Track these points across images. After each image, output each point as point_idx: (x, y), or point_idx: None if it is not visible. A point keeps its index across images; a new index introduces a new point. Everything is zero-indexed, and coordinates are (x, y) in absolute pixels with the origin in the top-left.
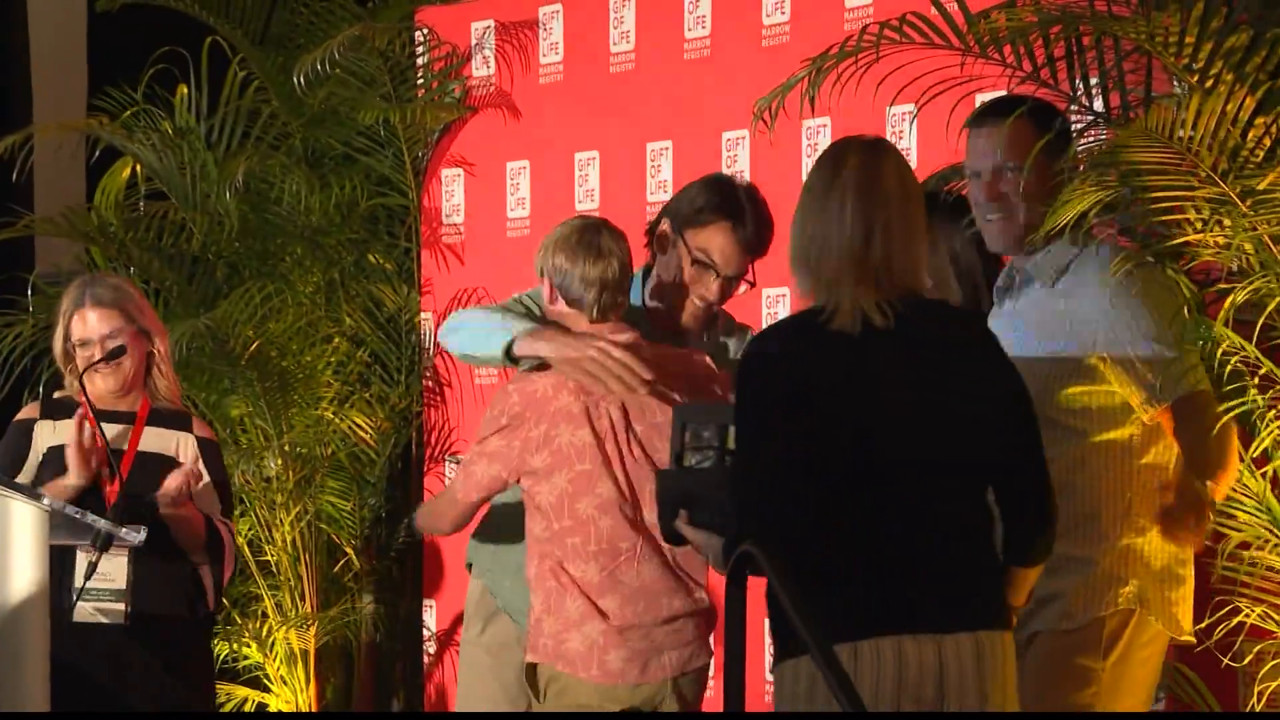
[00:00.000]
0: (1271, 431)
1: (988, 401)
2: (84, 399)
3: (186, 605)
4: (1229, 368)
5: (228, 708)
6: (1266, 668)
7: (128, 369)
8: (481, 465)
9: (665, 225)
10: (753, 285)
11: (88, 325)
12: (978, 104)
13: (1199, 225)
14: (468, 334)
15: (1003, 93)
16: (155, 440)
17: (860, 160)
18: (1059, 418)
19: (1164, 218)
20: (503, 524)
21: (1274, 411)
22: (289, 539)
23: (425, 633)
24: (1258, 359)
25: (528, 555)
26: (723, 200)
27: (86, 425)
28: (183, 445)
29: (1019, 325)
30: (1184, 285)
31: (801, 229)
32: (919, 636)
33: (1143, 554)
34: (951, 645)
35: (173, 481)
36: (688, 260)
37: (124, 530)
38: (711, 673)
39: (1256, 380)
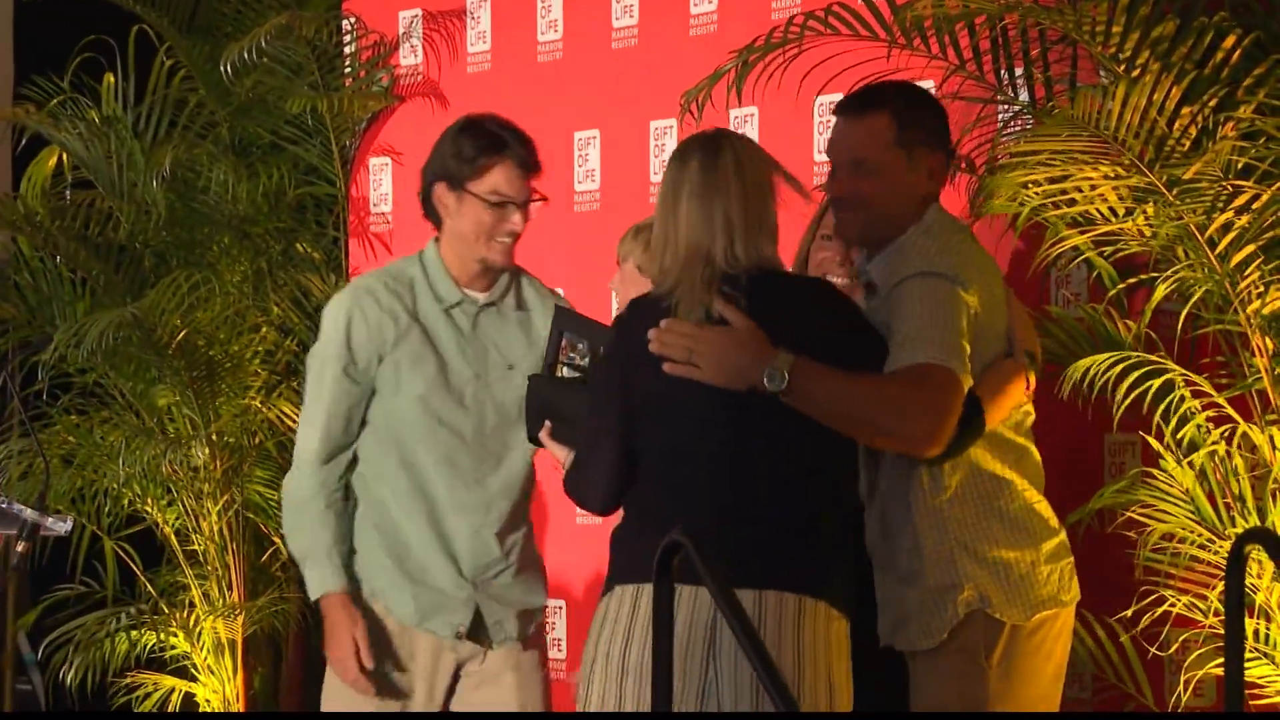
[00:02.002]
0: (1208, 431)
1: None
2: None
3: None
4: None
5: (154, 698)
6: (1192, 656)
7: None
8: None
9: (441, 189)
10: (545, 200)
11: None
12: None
13: (1123, 213)
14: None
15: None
16: None
17: (699, 159)
18: None
19: (1088, 206)
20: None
21: (1195, 401)
22: (216, 528)
23: None
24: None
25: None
26: (489, 140)
27: None
28: None
29: None
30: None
31: (655, 233)
32: (739, 590)
33: (969, 551)
34: (774, 600)
35: None
36: (483, 206)
37: (50, 519)
38: None
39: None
